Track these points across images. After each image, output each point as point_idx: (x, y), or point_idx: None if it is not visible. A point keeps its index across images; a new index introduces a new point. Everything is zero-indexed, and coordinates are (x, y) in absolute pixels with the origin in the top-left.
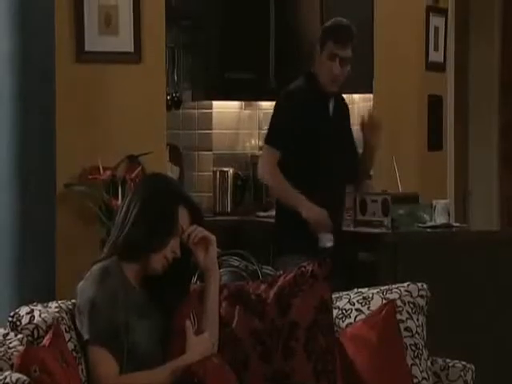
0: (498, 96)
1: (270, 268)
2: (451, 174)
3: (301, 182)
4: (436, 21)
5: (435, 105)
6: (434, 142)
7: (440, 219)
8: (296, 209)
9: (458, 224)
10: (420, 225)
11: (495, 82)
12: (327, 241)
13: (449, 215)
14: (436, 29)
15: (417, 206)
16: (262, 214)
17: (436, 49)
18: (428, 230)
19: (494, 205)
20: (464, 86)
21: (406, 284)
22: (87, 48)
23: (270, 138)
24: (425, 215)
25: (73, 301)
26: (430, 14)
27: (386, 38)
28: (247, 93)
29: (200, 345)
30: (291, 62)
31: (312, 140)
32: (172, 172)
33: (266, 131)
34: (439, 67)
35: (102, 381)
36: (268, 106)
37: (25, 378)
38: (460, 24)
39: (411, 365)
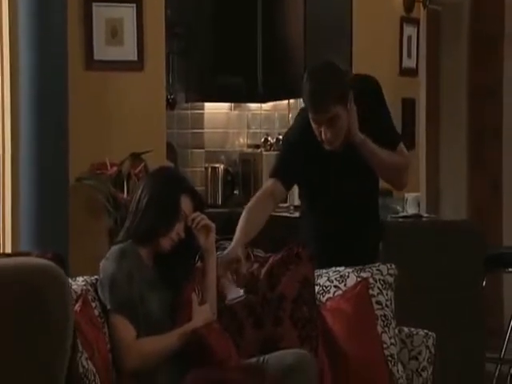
0: (466, 100)
1: (260, 251)
2: (423, 171)
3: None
4: (409, 30)
5: (408, 107)
6: (408, 141)
7: (411, 210)
8: None
9: (427, 215)
10: (393, 215)
11: (463, 86)
12: (233, 293)
13: (419, 206)
14: (409, 37)
15: (391, 198)
16: None
17: (409, 56)
18: (400, 219)
19: (463, 201)
20: (435, 90)
21: (377, 264)
22: (96, 57)
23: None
24: (397, 207)
25: (95, 277)
26: (404, 24)
27: (363, 46)
28: (237, 96)
29: (203, 313)
30: (277, 68)
31: (312, 179)
32: None
33: (254, 130)
34: (412, 72)
35: (122, 342)
36: (255, 107)
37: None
38: (431, 33)
39: (381, 332)
